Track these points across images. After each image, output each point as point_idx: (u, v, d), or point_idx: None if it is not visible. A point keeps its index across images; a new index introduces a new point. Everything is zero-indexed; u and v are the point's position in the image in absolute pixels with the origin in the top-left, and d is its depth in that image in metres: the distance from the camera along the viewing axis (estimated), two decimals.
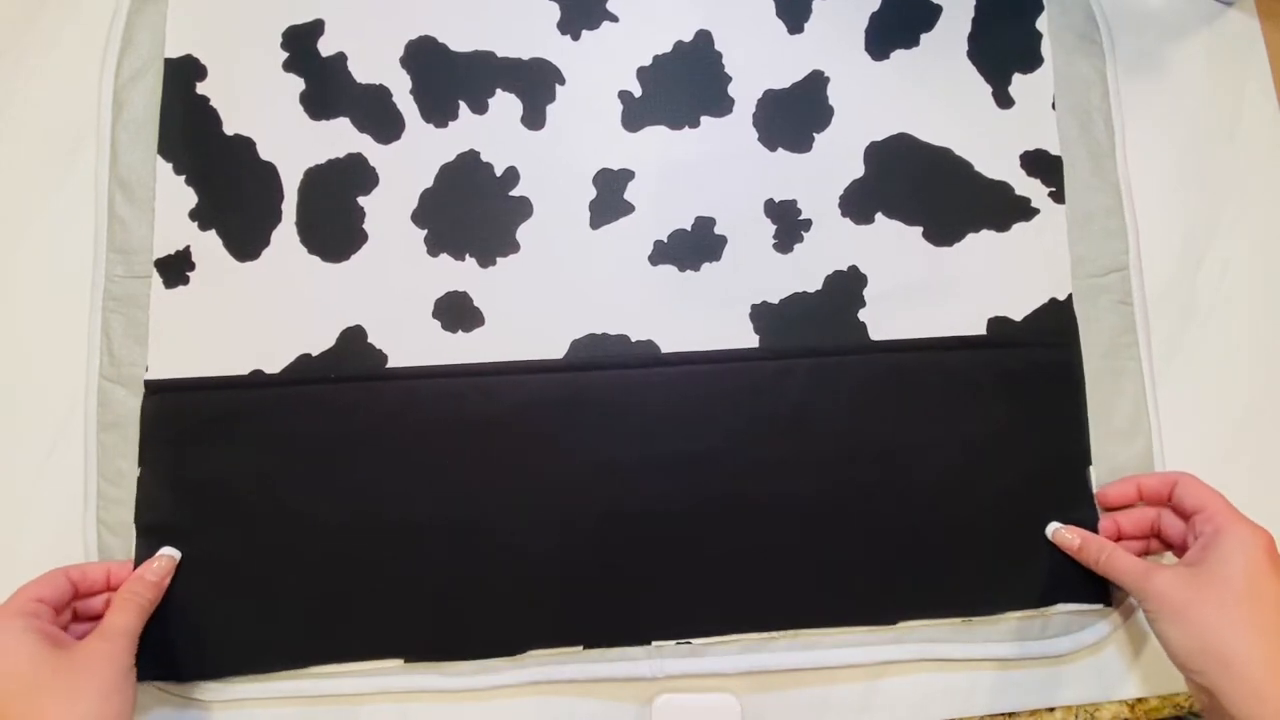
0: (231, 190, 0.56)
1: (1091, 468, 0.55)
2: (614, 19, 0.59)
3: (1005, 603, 0.53)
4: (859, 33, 0.59)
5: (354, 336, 0.55)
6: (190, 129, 0.57)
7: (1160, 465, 0.55)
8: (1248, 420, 0.57)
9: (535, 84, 0.58)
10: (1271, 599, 0.46)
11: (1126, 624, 0.54)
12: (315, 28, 0.58)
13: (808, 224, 0.57)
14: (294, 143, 0.57)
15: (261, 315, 0.55)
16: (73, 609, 0.50)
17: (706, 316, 0.56)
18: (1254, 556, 0.47)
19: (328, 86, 0.57)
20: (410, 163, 0.57)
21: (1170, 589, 0.47)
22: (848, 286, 0.57)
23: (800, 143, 0.58)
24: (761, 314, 0.56)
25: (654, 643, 0.52)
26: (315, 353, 0.55)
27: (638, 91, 0.58)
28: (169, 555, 0.52)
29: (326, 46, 0.58)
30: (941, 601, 0.53)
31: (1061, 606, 0.53)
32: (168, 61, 0.57)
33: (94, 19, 0.58)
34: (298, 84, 0.57)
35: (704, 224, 0.57)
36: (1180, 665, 0.47)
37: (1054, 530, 0.53)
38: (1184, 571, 0.47)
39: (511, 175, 0.57)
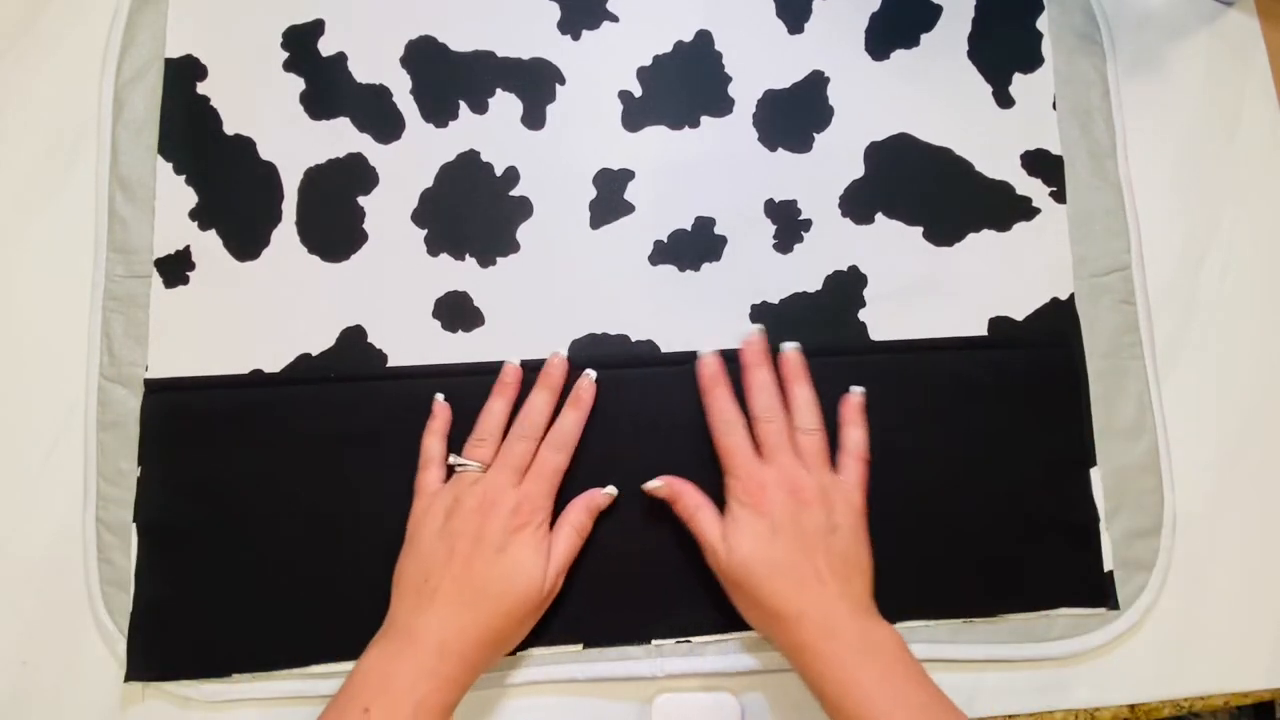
0: (231, 190, 0.56)
1: (1095, 468, 0.55)
2: (614, 19, 0.59)
3: (1006, 604, 0.53)
4: (859, 33, 0.59)
5: (354, 336, 0.55)
6: (190, 129, 0.57)
7: (1166, 464, 0.55)
8: (1252, 418, 0.57)
9: (535, 84, 0.58)
10: None
11: (1129, 627, 0.53)
12: (315, 28, 0.58)
13: (808, 224, 0.57)
14: (294, 143, 0.57)
15: (261, 315, 0.55)
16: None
17: (706, 316, 0.56)
18: None
19: (328, 86, 0.58)
20: (410, 163, 0.57)
21: None
22: (848, 286, 0.56)
23: (800, 143, 0.58)
24: (761, 314, 0.56)
25: (654, 642, 0.52)
26: (315, 352, 0.55)
27: (638, 91, 0.58)
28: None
29: (327, 46, 0.58)
30: (941, 602, 0.53)
31: (1063, 610, 0.53)
32: (168, 61, 0.58)
33: (94, 19, 0.58)
34: (298, 84, 0.58)
35: (704, 224, 0.57)
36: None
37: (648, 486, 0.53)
38: None
39: (511, 175, 0.57)
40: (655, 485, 0.52)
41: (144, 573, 0.52)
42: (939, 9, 0.60)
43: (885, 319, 0.56)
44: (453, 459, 0.52)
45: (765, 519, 0.49)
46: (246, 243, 0.56)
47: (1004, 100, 0.59)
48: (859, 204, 0.57)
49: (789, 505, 0.49)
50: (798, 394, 0.53)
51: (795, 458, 0.51)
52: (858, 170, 0.58)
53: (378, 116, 0.57)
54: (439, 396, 0.54)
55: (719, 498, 0.52)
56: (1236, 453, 0.57)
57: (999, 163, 0.58)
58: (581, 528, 0.52)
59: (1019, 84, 0.59)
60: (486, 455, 0.51)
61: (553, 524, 0.51)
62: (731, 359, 0.54)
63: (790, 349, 0.54)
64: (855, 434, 0.53)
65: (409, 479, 0.53)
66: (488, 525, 0.49)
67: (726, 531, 0.49)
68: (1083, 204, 0.58)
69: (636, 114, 0.58)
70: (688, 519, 0.51)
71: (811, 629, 0.46)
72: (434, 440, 0.53)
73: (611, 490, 0.53)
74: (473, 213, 0.57)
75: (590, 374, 0.54)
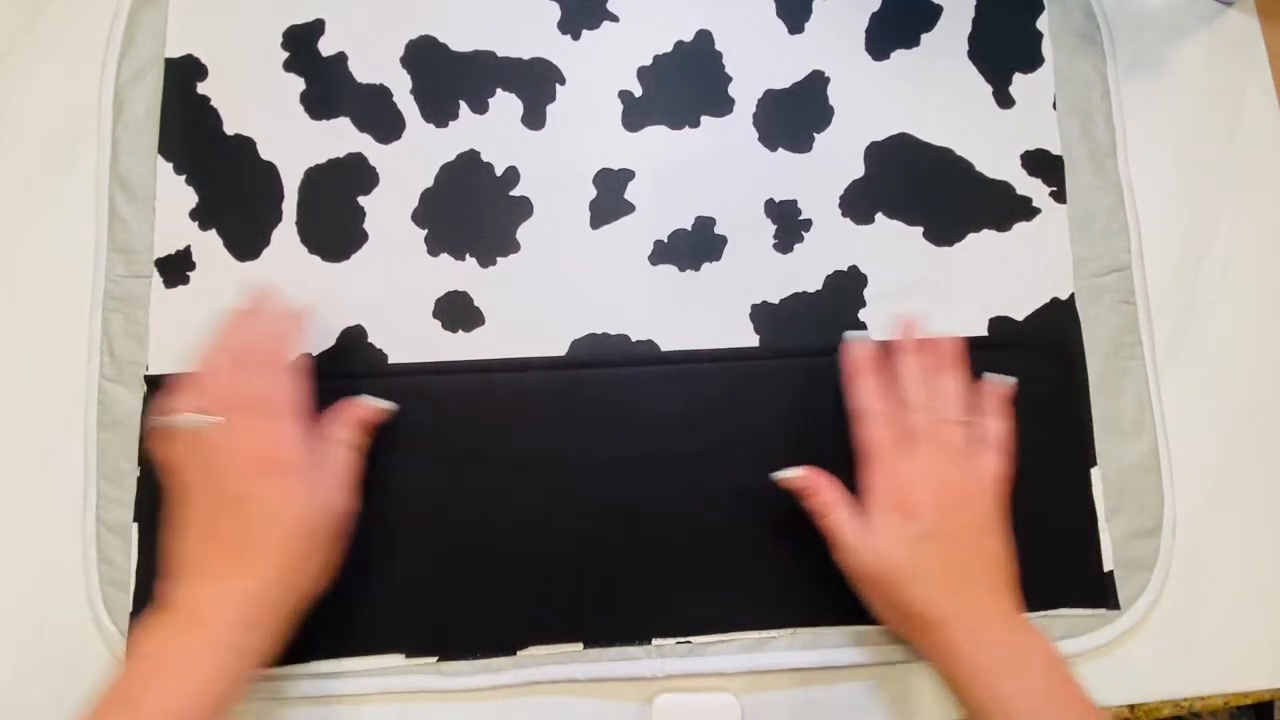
0: (232, 190, 0.56)
1: (1096, 468, 0.55)
2: (614, 19, 0.59)
3: None
4: (859, 33, 0.59)
5: (354, 336, 0.55)
6: (191, 129, 0.57)
7: (1167, 464, 0.55)
8: (1253, 417, 0.57)
9: (535, 84, 0.58)
10: None
11: (1129, 628, 0.53)
12: (315, 27, 0.58)
13: (808, 224, 0.57)
14: (294, 142, 0.57)
15: None
16: None
17: (706, 316, 0.56)
18: None
19: (328, 86, 0.58)
20: (410, 162, 0.57)
21: None
22: (848, 286, 0.56)
23: (800, 143, 0.58)
24: (761, 314, 0.56)
25: (654, 642, 0.52)
26: (316, 352, 0.55)
27: (638, 91, 0.58)
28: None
29: (327, 46, 0.58)
30: None
31: (1064, 610, 0.53)
32: (168, 61, 0.58)
33: (95, 19, 0.58)
34: (298, 84, 0.58)
35: (704, 224, 0.57)
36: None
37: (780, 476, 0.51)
38: None
39: (512, 175, 0.57)
40: (790, 475, 0.50)
41: (144, 573, 0.52)
42: (939, 9, 0.60)
43: (885, 319, 0.56)
44: (182, 418, 0.47)
45: (911, 519, 0.47)
46: (247, 243, 0.56)
47: (1004, 100, 0.59)
48: (859, 204, 0.57)
49: (936, 504, 0.47)
50: (946, 383, 0.51)
51: (942, 450, 0.49)
52: (858, 170, 0.58)
53: (378, 116, 0.57)
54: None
55: (719, 496, 0.52)
56: (1237, 453, 0.57)
57: (999, 163, 0.58)
58: (347, 441, 0.50)
59: (1019, 84, 0.59)
60: (212, 404, 0.47)
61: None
62: (729, 358, 0.54)
63: (945, 338, 0.52)
64: (996, 426, 0.51)
65: (409, 475, 0.53)
66: (236, 477, 0.46)
67: (868, 530, 0.48)
68: (1083, 204, 0.58)
69: (636, 114, 0.58)
70: (821, 514, 0.49)
71: (960, 635, 0.45)
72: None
73: (381, 404, 0.52)
74: (473, 213, 0.57)
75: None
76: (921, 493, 0.48)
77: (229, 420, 0.47)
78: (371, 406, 0.51)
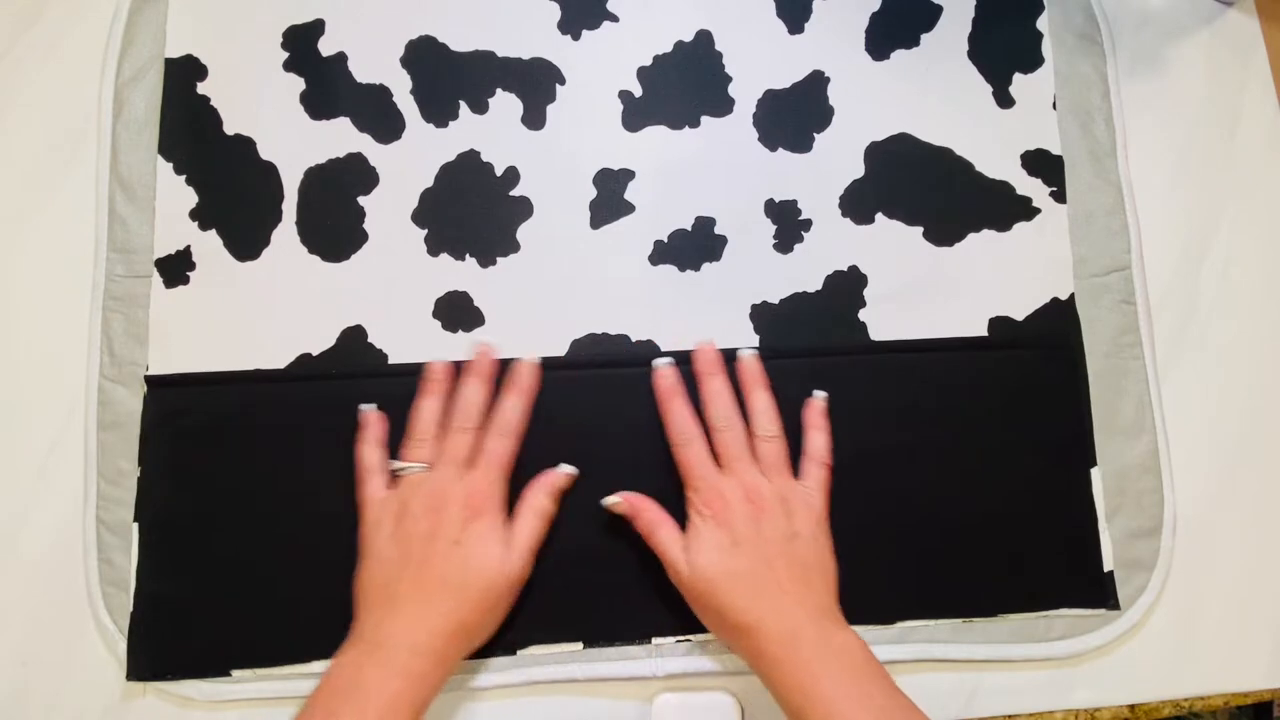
0: (232, 190, 0.56)
1: (1096, 468, 0.55)
2: (614, 19, 0.59)
3: (1006, 604, 0.53)
4: (859, 33, 0.59)
5: (354, 336, 0.55)
6: (191, 129, 0.57)
7: (1166, 464, 0.55)
8: (1252, 417, 0.57)
9: (535, 84, 0.58)
10: None
11: (1129, 628, 0.53)
12: (315, 27, 0.58)
13: (808, 224, 0.57)
14: (294, 142, 0.57)
15: (262, 315, 0.55)
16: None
17: (706, 316, 0.56)
18: None
19: (328, 86, 0.58)
20: (410, 163, 0.57)
21: None
22: (848, 286, 0.56)
23: (800, 143, 0.58)
24: (761, 314, 0.56)
25: (654, 641, 0.52)
26: (315, 352, 0.55)
27: (638, 91, 0.58)
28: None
29: (327, 46, 0.58)
30: (942, 601, 0.53)
31: (1064, 610, 0.53)
32: (168, 61, 0.58)
33: (95, 19, 0.58)
34: (298, 84, 0.58)
35: (704, 224, 0.57)
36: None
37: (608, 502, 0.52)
38: None
39: (512, 175, 0.57)
40: (613, 501, 0.52)
41: (144, 572, 0.52)
42: (939, 9, 0.60)
43: (885, 319, 0.56)
44: (394, 464, 0.51)
45: (725, 530, 0.49)
46: (247, 243, 0.56)
47: (1004, 100, 0.59)
48: (859, 204, 0.57)
49: (748, 514, 0.49)
50: (756, 400, 0.53)
51: (754, 465, 0.51)
52: (858, 170, 0.58)
53: (378, 116, 0.57)
54: (368, 407, 0.53)
55: None
56: (1236, 453, 0.57)
57: (999, 163, 0.58)
58: (542, 509, 0.51)
59: (1019, 84, 0.59)
60: (427, 454, 0.51)
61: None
62: (729, 358, 0.54)
63: (747, 354, 0.54)
64: (817, 438, 0.53)
65: None
66: (440, 521, 0.48)
67: (688, 545, 0.49)
68: (1083, 204, 0.58)
69: (636, 114, 0.58)
70: (648, 535, 0.51)
71: (771, 638, 0.46)
72: (370, 449, 0.52)
73: (570, 469, 0.53)
74: (473, 213, 0.57)
75: (532, 358, 0.54)
76: (734, 504, 0.49)
77: (437, 468, 0.50)
78: (566, 474, 0.53)
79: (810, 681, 0.45)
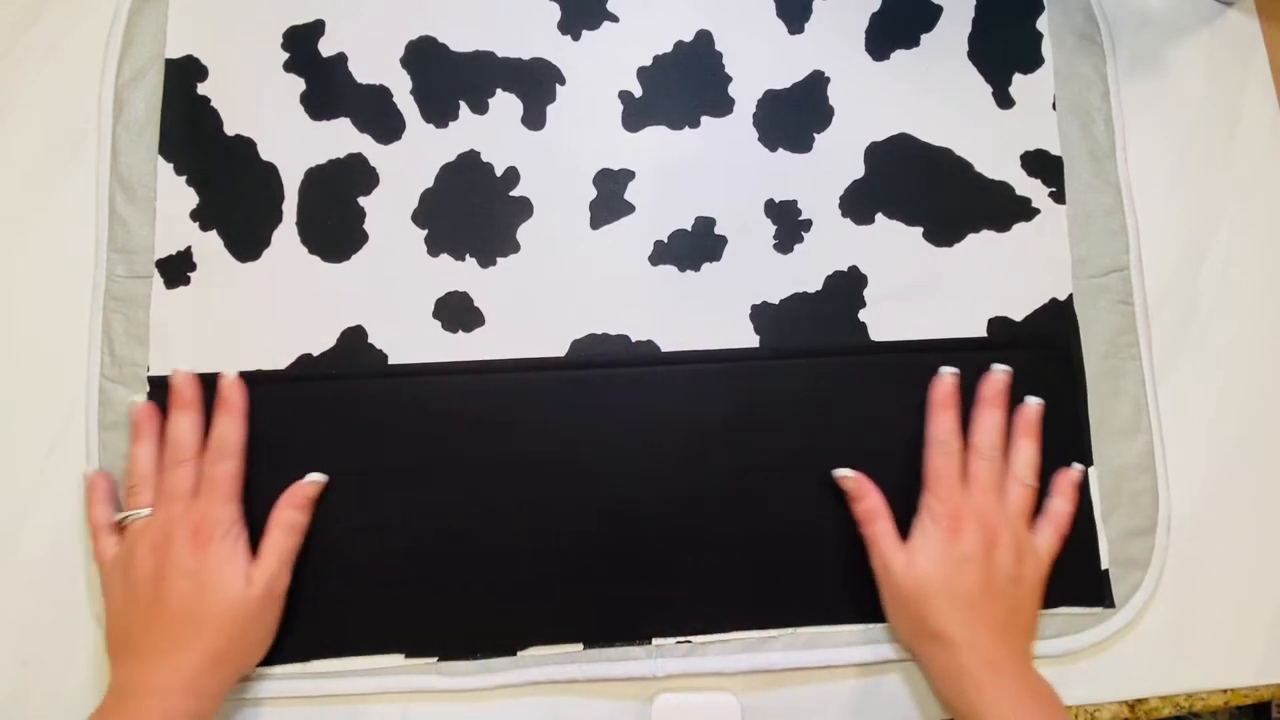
0: (232, 190, 0.56)
1: (1092, 468, 0.55)
2: (614, 19, 0.59)
3: None
4: (859, 33, 0.59)
5: (354, 337, 0.55)
6: (191, 129, 0.57)
7: (1162, 464, 0.55)
8: (1248, 417, 0.57)
9: (535, 84, 0.58)
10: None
11: (1126, 625, 0.54)
12: (316, 28, 0.58)
13: (808, 224, 0.57)
14: (294, 143, 0.57)
15: (262, 315, 0.55)
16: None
17: (707, 316, 0.56)
18: None
19: (328, 87, 0.58)
20: (410, 163, 0.57)
21: None
22: (848, 287, 0.57)
23: (800, 143, 0.58)
24: (761, 314, 0.56)
25: (654, 641, 0.53)
26: (316, 353, 0.55)
27: (638, 91, 0.58)
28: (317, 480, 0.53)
29: (327, 47, 0.58)
30: None
31: (1060, 608, 0.53)
32: (169, 62, 0.57)
33: (94, 19, 0.58)
34: (298, 84, 0.58)
35: (704, 224, 0.57)
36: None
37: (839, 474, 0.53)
38: None
39: (511, 175, 0.57)
40: (844, 474, 0.53)
41: None
42: (939, 9, 0.60)
43: (885, 319, 0.56)
44: (116, 516, 0.51)
45: (955, 544, 0.49)
46: (247, 243, 0.56)
47: (1004, 100, 0.59)
48: (859, 204, 0.57)
49: (981, 541, 0.49)
50: (1023, 447, 0.53)
51: (1000, 501, 0.51)
52: (858, 170, 0.58)
53: (378, 117, 0.57)
54: (89, 469, 0.53)
55: (719, 497, 0.52)
56: (1232, 453, 0.57)
57: (999, 163, 0.58)
58: (288, 523, 0.51)
59: (1019, 84, 0.59)
60: (148, 498, 0.50)
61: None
62: (730, 359, 0.55)
63: (1034, 406, 0.54)
64: (1060, 505, 0.53)
65: (408, 475, 0.53)
66: (168, 557, 0.48)
67: (912, 544, 0.50)
68: (1082, 204, 0.58)
69: (636, 114, 0.58)
70: (865, 522, 0.52)
71: (977, 658, 0.47)
72: (97, 509, 0.51)
73: (318, 477, 0.52)
74: (473, 213, 0.57)
75: (229, 374, 0.53)
76: (970, 525, 0.50)
77: (159, 509, 0.50)
78: (313, 483, 0.52)
79: (1008, 709, 0.46)
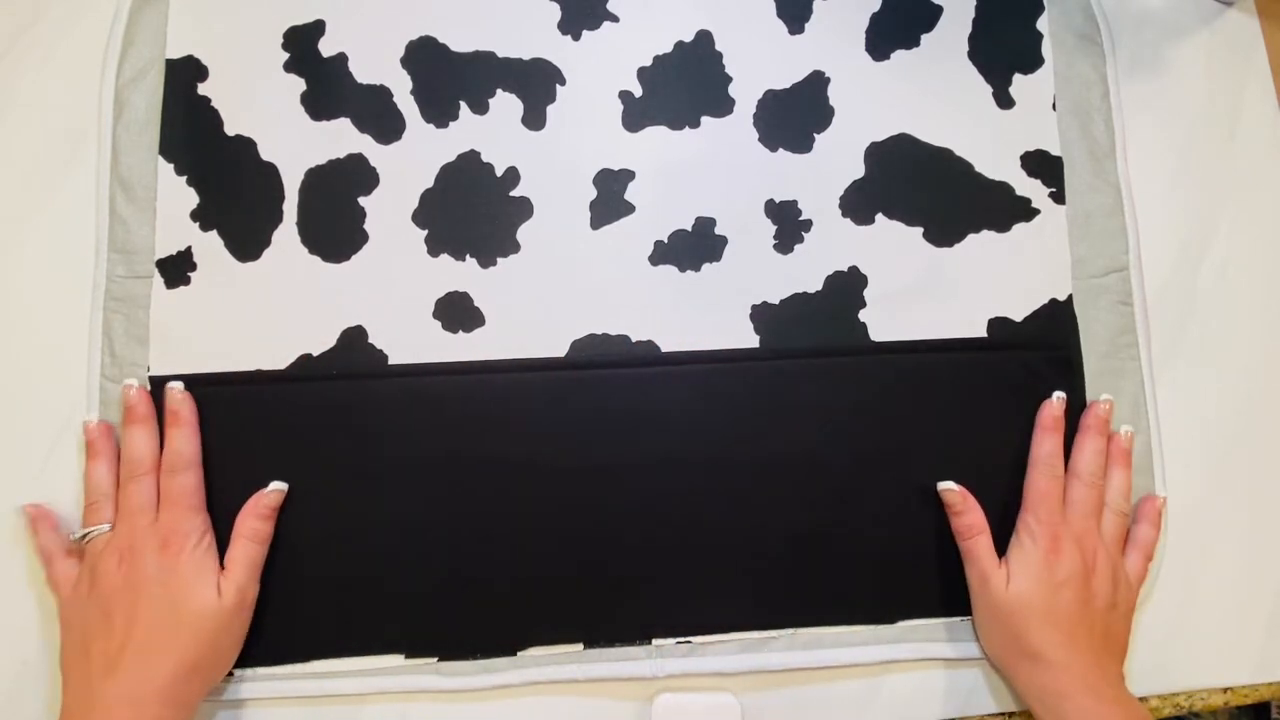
0: (233, 191, 0.56)
1: None
2: (614, 19, 0.59)
3: None
4: (859, 33, 0.59)
5: (355, 337, 0.55)
6: (191, 129, 0.57)
7: (1159, 465, 0.56)
8: (1244, 418, 0.57)
9: (535, 84, 0.58)
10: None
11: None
12: (316, 28, 0.58)
13: (808, 224, 0.57)
14: (295, 143, 0.57)
15: (262, 315, 0.55)
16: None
17: (707, 316, 0.56)
18: None
19: (328, 87, 0.58)
20: (411, 163, 0.57)
21: None
22: (848, 287, 0.57)
23: (800, 143, 0.58)
24: (761, 314, 0.56)
25: (654, 642, 0.53)
26: (316, 353, 0.55)
27: (638, 91, 0.58)
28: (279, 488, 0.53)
29: (327, 47, 0.58)
30: (941, 600, 0.53)
31: None
32: (169, 62, 0.57)
33: (94, 19, 0.58)
34: (298, 84, 0.58)
35: (704, 224, 0.57)
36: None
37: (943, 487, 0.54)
38: None
39: (512, 175, 0.57)
40: (947, 487, 0.53)
41: None
42: (939, 9, 0.60)
43: (885, 319, 0.56)
44: (74, 534, 0.51)
45: (1055, 566, 0.50)
46: (248, 243, 0.56)
47: (1004, 101, 0.59)
48: (859, 204, 0.57)
49: (1079, 565, 0.50)
50: (1118, 475, 0.54)
51: (1097, 528, 0.52)
52: (858, 170, 0.58)
53: (378, 117, 0.57)
54: (31, 505, 0.52)
55: (719, 497, 0.52)
56: (1229, 453, 0.57)
57: (999, 163, 0.58)
58: (253, 532, 0.51)
59: (1019, 84, 0.59)
60: (108, 514, 0.50)
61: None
62: (730, 359, 0.55)
63: (1127, 435, 0.55)
64: (1148, 532, 0.54)
65: (408, 475, 0.53)
66: (137, 569, 0.48)
67: (1011, 561, 0.51)
68: (1082, 205, 0.58)
69: (636, 114, 0.58)
70: (967, 535, 0.52)
71: (1076, 680, 0.48)
72: (43, 537, 0.51)
73: (280, 485, 0.52)
74: (473, 213, 0.57)
75: (176, 385, 0.53)
76: (1069, 549, 0.51)
77: (121, 523, 0.50)
78: (274, 491, 0.52)
79: None
